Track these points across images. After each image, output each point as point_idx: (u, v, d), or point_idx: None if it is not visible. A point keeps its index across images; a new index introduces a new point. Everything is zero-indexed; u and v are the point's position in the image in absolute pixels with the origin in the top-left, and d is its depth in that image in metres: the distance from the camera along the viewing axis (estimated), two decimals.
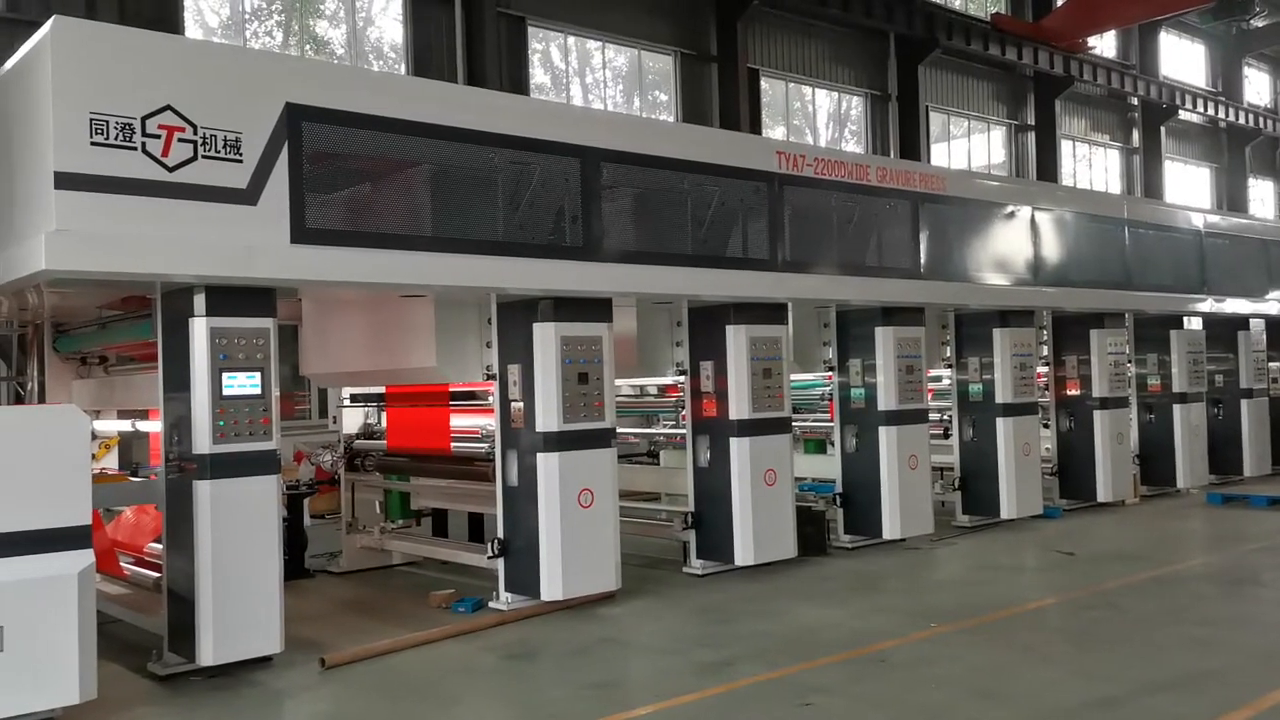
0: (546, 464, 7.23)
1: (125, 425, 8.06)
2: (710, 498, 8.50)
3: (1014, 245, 10.73)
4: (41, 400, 8.21)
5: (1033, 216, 10.90)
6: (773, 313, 8.61)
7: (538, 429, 7.25)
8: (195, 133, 5.64)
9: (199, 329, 5.89)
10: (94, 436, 8.35)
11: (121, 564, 7.06)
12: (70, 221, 5.28)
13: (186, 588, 5.93)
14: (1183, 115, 28.88)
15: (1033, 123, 25.20)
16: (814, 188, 8.77)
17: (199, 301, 5.90)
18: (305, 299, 8.71)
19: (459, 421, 8.39)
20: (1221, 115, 30.14)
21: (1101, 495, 11.53)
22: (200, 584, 5.84)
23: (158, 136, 5.53)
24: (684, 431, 8.77)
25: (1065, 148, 26.24)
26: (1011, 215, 10.72)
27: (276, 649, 6.10)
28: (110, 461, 8.49)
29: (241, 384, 5.94)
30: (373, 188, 6.65)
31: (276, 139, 5.93)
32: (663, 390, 11.43)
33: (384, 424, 9.26)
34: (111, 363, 8.32)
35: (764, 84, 20.02)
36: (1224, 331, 13.71)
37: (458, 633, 6.90)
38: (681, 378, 8.71)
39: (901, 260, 9.53)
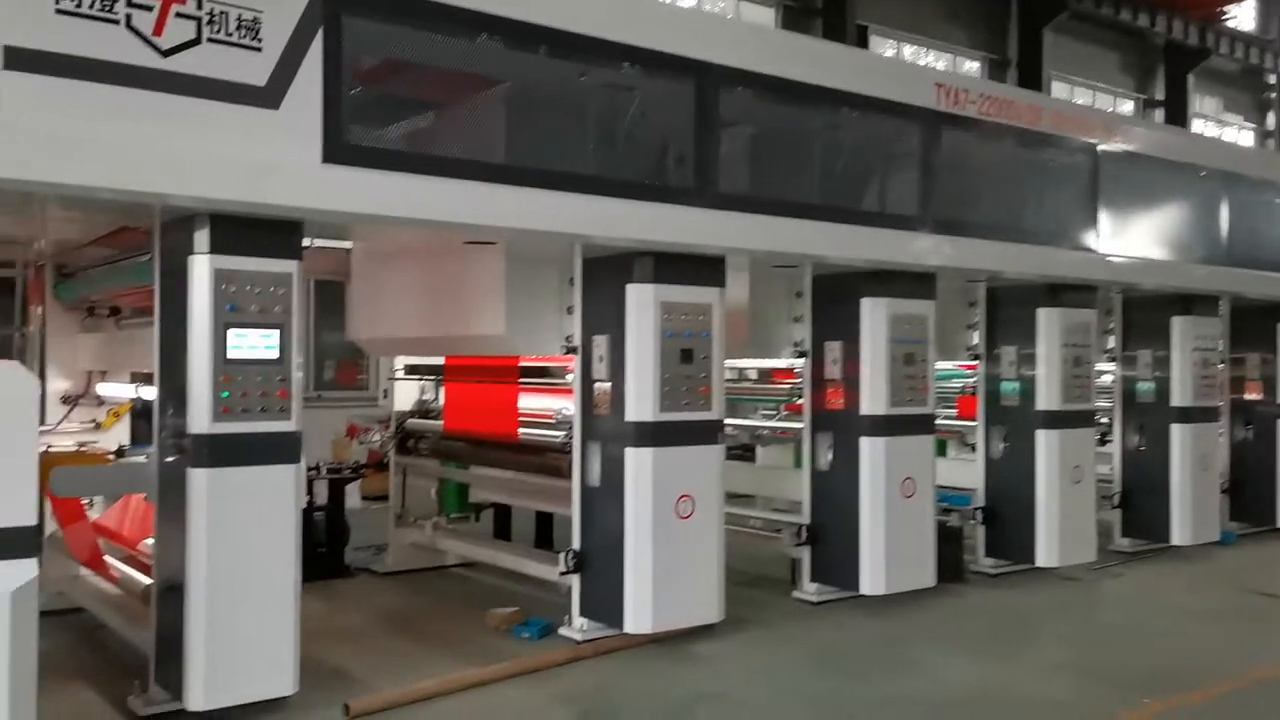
0: (637, 461, 5.76)
1: (134, 391, 6.74)
2: (831, 508, 6.95)
3: (1198, 217, 8.91)
4: (41, 356, 6.95)
5: (1225, 184, 9.05)
6: (918, 285, 6.99)
7: (628, 418, 5.77)
8: (199, 7, 4.22)
9: (200, 269, 4.50)
10: (101, 403, 7.17)
11: (110, 562, 5.72)
12: (20, 114, 3.87)
13: (177, 605, 4.57)
14: None
15: (1162, 98, 23.04)
16: (977, 132, 7.06)
17: (201, 236, 4.51)
18: (355, 248, 7.34)
19: (529, 403, 6.96)
20: None
21: None
22: (191, 606, 4.47)
23: (149, 8, 4.11)
24: (792, 425, 7.22)
25: (1195, 127, 23.97)
26: (1201, 181, 8.88)
27: (289, 690, 4.71)
28: (122, 433, 7.21)
29: (253, 344, 4.55)
30: (432, 99, 5.20)
31: (308, 25, 4.47)
32: (765, 375, 9.89)
33: (442, 401, 7.86)
34: (124, 314, 6.99)
35: (872, 42, 18.24)
36: None
37: (520, 671, 5.46)
38: (800, 360, 7.16)
39: (1075, 228, 7.78)
